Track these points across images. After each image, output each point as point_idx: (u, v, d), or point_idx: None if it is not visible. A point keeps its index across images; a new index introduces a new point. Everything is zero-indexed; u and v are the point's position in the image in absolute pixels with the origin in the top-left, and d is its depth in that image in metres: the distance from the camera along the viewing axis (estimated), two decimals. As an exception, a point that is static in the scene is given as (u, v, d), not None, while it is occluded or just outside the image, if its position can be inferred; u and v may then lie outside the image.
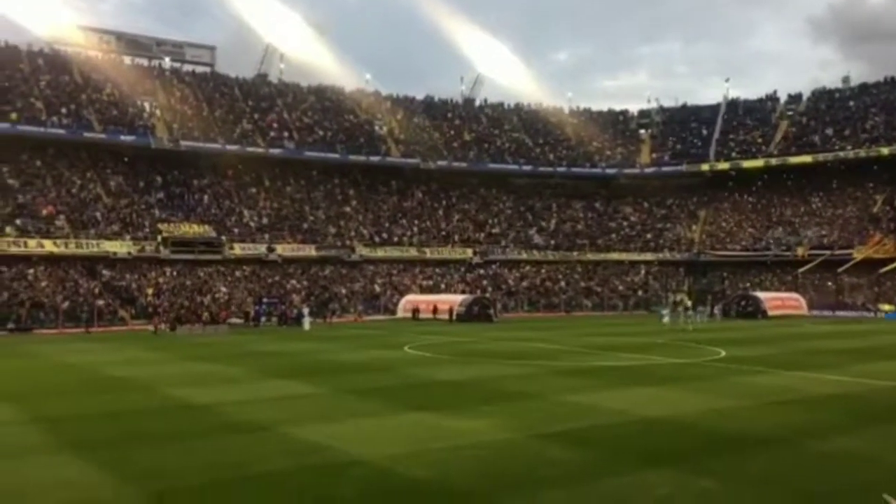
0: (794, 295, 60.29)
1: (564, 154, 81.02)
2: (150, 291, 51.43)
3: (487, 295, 59.65)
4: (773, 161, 74.11)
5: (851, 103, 76.49)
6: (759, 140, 77.90)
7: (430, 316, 52.58)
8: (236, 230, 60.57)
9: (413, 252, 66.07)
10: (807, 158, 71.85)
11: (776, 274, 66.59)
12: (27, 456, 12.27)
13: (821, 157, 71.32)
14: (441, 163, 74.18)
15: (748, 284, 66.01)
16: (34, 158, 58.23)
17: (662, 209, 79.10)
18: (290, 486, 10.37)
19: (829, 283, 62.45)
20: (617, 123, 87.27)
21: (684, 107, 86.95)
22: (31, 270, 49.82)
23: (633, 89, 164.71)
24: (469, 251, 68.28)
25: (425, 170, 73.85)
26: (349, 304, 56.97)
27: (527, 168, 78.27)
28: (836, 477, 10.78)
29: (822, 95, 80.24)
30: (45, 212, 53.73)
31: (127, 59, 70.02)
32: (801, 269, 63.47)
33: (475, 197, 76.54)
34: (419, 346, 32.12)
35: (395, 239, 66.84)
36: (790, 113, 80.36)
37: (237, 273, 57.46)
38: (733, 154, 77.35)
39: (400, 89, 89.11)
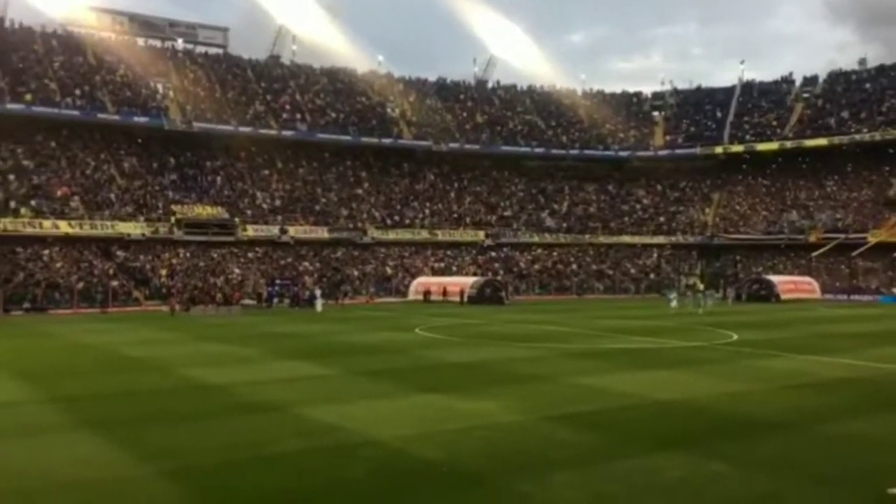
0: (808, 279, 59.98)
1: (577, 136, 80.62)
2: (163, 272, 51.76)
3: (499, 277, 59.69)
4: (788, 144, 73.49)
5: (868, 86, 75.64)
6: (774, 123, 77.23)
7: (441, 298, 52.68)
8: (249, 212, 60.76)
9: (425, 234, 66.12)
10: (822, 141, 71.22)
11: (790, 258, 66.24)
12: (45, 434, 12.44)
13: (836, 140, 70.68)
14: (453, 145, 74.00)
15: (761, 268, 65.68)
16: (48, 140, 58.51)
17: (675, 192, 78.70)
18: (303, 466, 10.46)
19: (843, 267, 62.10)
20: (630, 105, 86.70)
21: (698, 89, 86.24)
22: (46, 251, 50.24)
23: (647, 71, 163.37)
24: (481, 234, 68.25)
25: (437, 152, 73.72)
26: (361, 286, 57.16)
27: (539, 150, 77.95)
28: (847, 461, 10.78)
29: (838, 77, 79.39)
30: (59, 193, 54.06)
31: (140, 41, 70.03)
32: (814, 253, 63.09)
33: (487, 179, 76.37)
34: (430, 328, 32.22)
35: (407, 221, 66.87)
36: (806, 95, 79.57)
37: (250, 255, 57.73)
38: (748, 137, 76.75)
39: (412, 71, 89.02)
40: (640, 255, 70.57)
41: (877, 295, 56.73)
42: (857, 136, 69.74)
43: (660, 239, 72.06)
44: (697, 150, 77.72)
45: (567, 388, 16.65)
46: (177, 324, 35.83)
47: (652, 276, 67.35)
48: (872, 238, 60.75)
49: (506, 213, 72.27)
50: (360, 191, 68.90)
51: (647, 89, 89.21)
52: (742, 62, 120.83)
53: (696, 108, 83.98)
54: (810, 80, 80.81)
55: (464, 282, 54.71)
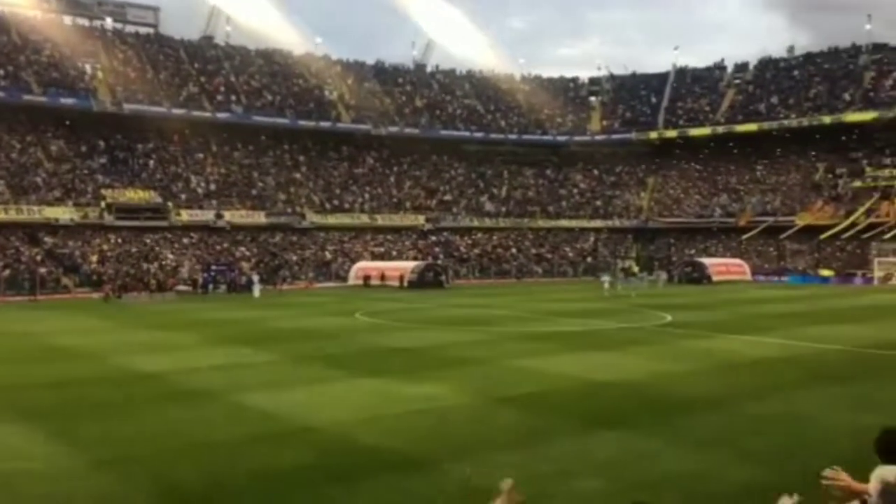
0: (738, 261, 61.74)
1: (516, 121, 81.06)
2: (94, 259, 50.37)
3: (439, 262, 59.81)
4: (720, 129, 75.24)
5: (796, 73, 77.86)
6: (707, 108, 78.96)
7: (382, 283, 52.57)
8: (183, 196, 59.47)
9: (364, 219, 65.74)
10: (752, 127, 73.08)
11: (721, 240, 68.03)
12: (-32, 427, 12.01)
13: (765, 125, 72.60)
14: (392, 129, 73.61)
15: (694, 251, 67.33)
16: (-30, 122, 56.21)
17: (612, 177, 79.92)
18: (239, 454, 10.33)
19: (772, 250, 64.08)
20: (568, 91, 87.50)
21: (634, 75, 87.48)
22: (-31, 237, 48.38)
23: (584, 57, 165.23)
24: (421, 218, 68.21)
25: (376, 136, 73.22)
26: (300, 272, 56.59)
27: (478, 135, 78.13)
28: (774, 437, 11.16)
29: (767, 64, 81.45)
30: (-18, 177, 52.02)
31: (67, 20, 67.53)
32: (745, 236, 64.92)
33: (426, 164, 76.26)
34: (371, 312, 32.13)
35: (346, 206, 66.37)
36: (737, 81, 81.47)
37: (184, 240, 56.56)
38: (681, 122, 78.33)
39: (350, 54, 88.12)
40: (577, 238, 71.55)
41: (803, 276, 58.71)
42: (786, 122, 71.77)
43: (597, 223, 73.17)
44: (633, 136, 79.00)
45: (507, 371, 16.83)
46: (109, 311, 34.95)
47: (589, 259, 68.36)
48: (800, 221, 62.75)
49: (445, 198, 72.35)
50: (298, 175, 68.06)
51: (585, 75, 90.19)
52: (676, 48, 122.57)
53: (631, 93, 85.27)
54: (741, 67, 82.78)
55: (404, 266, 54.66)
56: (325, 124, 70.38)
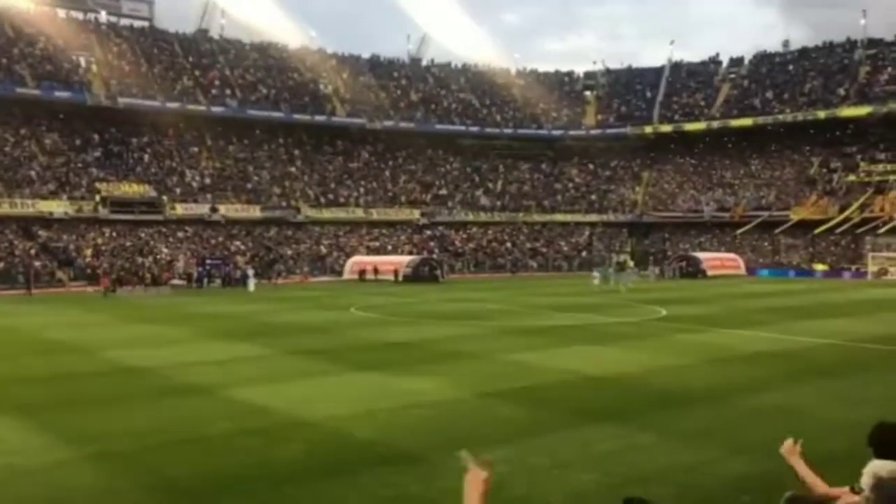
0: (733, 255, 61.85)
1: (511, 115, 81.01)
2: (88, 252, 50.24)
3: (434, 256, 59.80)
4: (715, 124, 75.31)
5: (791, 67, 77.93)
6: (702, 103, 79.03)
7: (376, 277, 52.52)
8: (178, 190, 59.33)
9: (359, 213, 65.68)
10: (747, 121, 73.18)
11: (715, 235, 68.15)
12: (-39, 421, 11.97)
13: (760, 120, 72.73)
14: (387, 123, 73.49)
15: (689, 245, 67.44)
16: (-37, 115, 55.96)
17: (607, 171, 79.96)
18: (233, 448, 10.30)
19: (767, 244, 64.19)
20: (563, 85, 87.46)
21: (629, 69, 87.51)
22: (-37, 231, 48.21)
23: (580, 51, 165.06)
24: (416, 212, 68.16)
25: (371, 130, 73.11)
26: (295, 266, 56.54)
27: (474, 129, 78.08)
28: (766, 430, 11.15)
29: (762, 59, 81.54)
30: (-25, 170, 51.83)
31: (61, 13, 67.29)
32: (739, 231, 65.02)
33: (422, 158, 76.17)
34: (366, 307, 32.11)
35: (342, 200, 66.30)
36: (732, 76, 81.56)
37: (179, 234, 56.47)
38: (676, 117, 78.36)
39: (345, 48, 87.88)
40: (572, 233, 71.61)
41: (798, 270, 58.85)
42: (781, 117, 71.89)
43: (591, 217, 73.22)
44: (628, 130, 79.06)
45: (502, 365, 16.83)
46: (104, 305, 34.88)
47: (584, 253, 68.43)
48: (794, 216, 62.88)
49: (441, 192, 72.29)
50: (293, 169, 67.94)
51: (580, 69, 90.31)
52: (671, 43, 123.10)
53: (626, 87, 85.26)
54: (736, 62, 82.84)
55: (399, 261, 54.64)
56: (320, 118, 70.27)
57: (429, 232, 67.48)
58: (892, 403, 12.29)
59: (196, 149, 65.14)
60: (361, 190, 68.49)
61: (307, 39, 79.83)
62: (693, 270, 56.38)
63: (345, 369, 16.34)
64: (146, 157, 61.65)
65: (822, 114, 69.00)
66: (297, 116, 69.15)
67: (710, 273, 56.00)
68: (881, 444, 4.92)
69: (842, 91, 70.59)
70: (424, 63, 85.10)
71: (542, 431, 11.09)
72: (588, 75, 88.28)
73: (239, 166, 65.45)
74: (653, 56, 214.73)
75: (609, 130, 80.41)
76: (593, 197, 76.07)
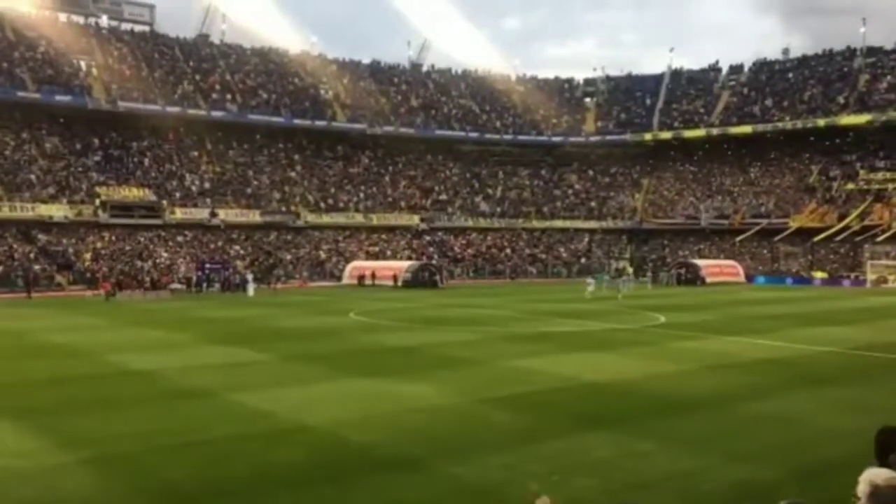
0: (732, 262, 61.88)
1: (511, 121, 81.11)
2: (87, 256, 50.24)
3: (433, 262, 59.81)
4: (714, 131, 75.40)
5: (790, 75, 78.07)
6: (702, 110, 79.14)
7: (371, 283, 52.52)
8: (177, 194, 59.36)
9: (359, 218, 65.70)
10: (746, 129, 73.26)
11: (714, 242, 68.19)
12: (-40, 425, 11.97)
13: (760, 127, 72.79)
14: (388, 128, 73.57)
15: (688, 252, 67.44)
16: (-37, 118, 56.01)
17: (606, 177, 80.00)
18: (233, 452, 10.31)
19: (766, 252, 64.24)
20: (563, 91, 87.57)
21: (629, 76, 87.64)
22: (-38, 234, 48.20)
23: (580, 57, 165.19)
24: (415, 218, 68.19)
25: (372, 135, 73.18)
26: (294, 271, 56.54)
27: (474, 135, 78.15)
28: (765, 437, 11.20)
29: (762, 67, 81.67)
30: (-25, 174, 51.84)
31: (62, 17, 67.35)
32: (738, 238, 65.05)
33: (422, 163, 76.25)
34: (365, 312, 32.11)
35: (341, 205, 66.34)
36: (732, 84, 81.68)
37: (179, 238, 56.47)
38: (676, 124, 78.45)
39: (345, 53, 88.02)
40: (571, 239, 71.64)
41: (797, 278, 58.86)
42: (780, 124, 71.94)
43: (591, 224, 73.26)
44: (628, 137, 79.11)
45: (501, 371, 16.84)
46: (104, 309, 34.86)
47: (583, 260, 68.46)
48: (793, 223, 62.92)
49: (440, 198, 72.34)
50: (293, 174, 67.99)
51: (580, 75, 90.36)
52: (671, 50, 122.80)
53: (626, 94, 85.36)
54: (736, 69, 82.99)
55: (399, 266, 54.66)
56: (320, 123, 70.33)
57: (428, 237, 67.51)
58: (892, 412, 12.30)
59: (196, 153, 65.19)
60: (361, 195, 68.54)
61: (308, 45, 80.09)
62: (692, 277, 56.41)
63: (344, 374, 16.35)
64: (146, 161, 61.69)
65: (821, 122, 69.07)
66: (297, 121, 69.23)
67: (708, 280, 56.03)
68: (885, 447, 4.92)
69: (841, 99, 70.71)
70: (425, 69, 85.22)
71: (541, 437, 11.09)
72: (588, 82, 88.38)
73: (239, 171, 65.49)
74: (653, 63, 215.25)
75: (609, 137, 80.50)
76: (593, 203, 76.11)
